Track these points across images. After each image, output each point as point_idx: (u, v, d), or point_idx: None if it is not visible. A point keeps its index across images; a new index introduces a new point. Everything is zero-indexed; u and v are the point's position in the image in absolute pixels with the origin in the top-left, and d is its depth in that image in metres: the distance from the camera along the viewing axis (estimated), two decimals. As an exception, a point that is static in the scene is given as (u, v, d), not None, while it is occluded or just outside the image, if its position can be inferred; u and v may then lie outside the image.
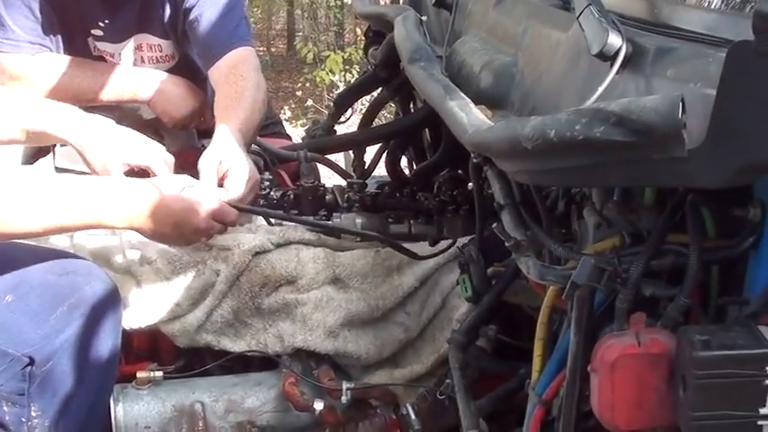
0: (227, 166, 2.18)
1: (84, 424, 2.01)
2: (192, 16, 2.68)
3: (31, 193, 1.79)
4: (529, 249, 1.51)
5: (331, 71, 9.65)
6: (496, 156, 1.39)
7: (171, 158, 2.27)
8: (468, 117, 1.49)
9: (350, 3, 11.81)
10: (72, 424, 1.98)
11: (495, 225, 1.64)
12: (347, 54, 9.91)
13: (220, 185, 2.15)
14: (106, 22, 2.73)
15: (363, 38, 3.35)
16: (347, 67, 9.61)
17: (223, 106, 2.49)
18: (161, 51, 2.85)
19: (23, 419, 1.91)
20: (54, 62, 2.66)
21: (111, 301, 2.03)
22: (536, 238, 1.51)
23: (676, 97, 0.99)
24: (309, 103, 10.22)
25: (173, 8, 2.74)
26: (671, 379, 1.18)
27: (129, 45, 2.80)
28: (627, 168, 1.12)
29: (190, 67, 2.90)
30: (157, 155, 2.23)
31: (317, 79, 9.89)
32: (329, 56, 9.85)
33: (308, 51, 10.51)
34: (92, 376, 1.97)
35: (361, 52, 9.46)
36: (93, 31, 2.75)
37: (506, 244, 1.57)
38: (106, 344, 2.01)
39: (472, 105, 1.58)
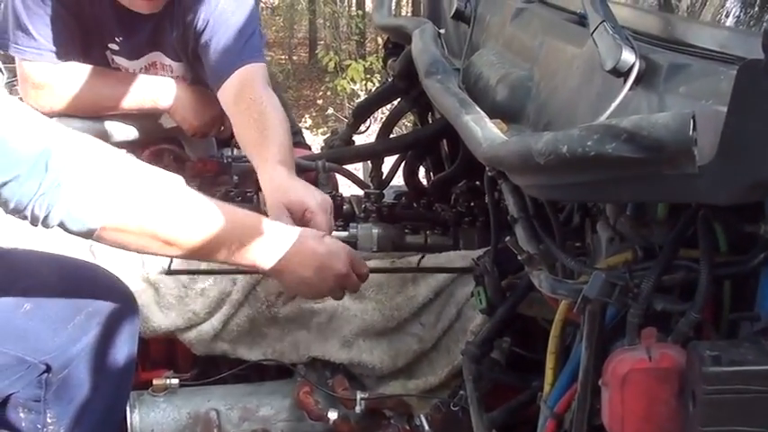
0: (302, 208, 2.19)
1: (99, 431, 2.03)
2: (202, 40, 2.68)
3: (196, 218, 1.79)
4: (541, 263, 1.51)
5: (352, 80, 9.68)
6: (509, 170, 1.40)
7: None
8: (483, 131, 1.50)
9: (371, 12, 11.86)
10: (87, 431, 1.99)
11: (508, 239, 1.65)
12: (368, 63, 9.95)
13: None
14: (121, 38, 2.76)
15: (384, 48, 3.37)
16: (368, 76, 9.64)
17: (252, 143, 2.47)
18: (172, 72, 2.86)
19: (39, 426, 1.93)
20: (76, 71, 2.69)
21: (128, 310, 2.04)
22: (549, 252, 1.52)
23: (687, 114, 1.00)
24: (330, 111, 10.26)
25: (182, 31, 2.74)
26: (681, 394, 1.18)
27: (142, 62, 2.83)
28: (638, 184, 1.13)
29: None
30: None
31: (338, 88, 9.92)
32: (350, 65, 9.88)
33: (330, 60, 10.55)
34: (108, 384, 1.99)
35: (382, 61, 9.49)
36: (110, 45, 2.77)
37: (519, 257, 1.58)
38: (122, 352, 2.02)
39: (487, 119, 1.59)
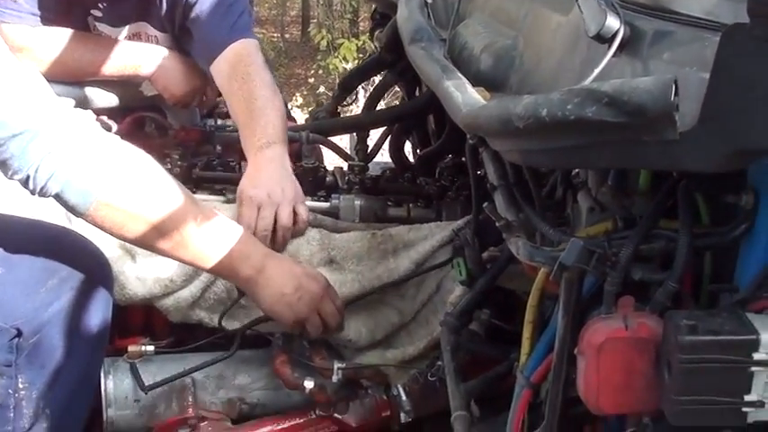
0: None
1: (72, 397, 2.01)
2: (192, 14, 2.68)
3: (187, 217, 1.86)
4: (520, 230, 1.50)
5: (344, 59, 9.66)
6: (489, 135, 1.38)
7: None
8: (464, 96, 1.49)
9: (365, -10, 11.83)
10: (60, 396, 1.97)
11: (487, 205, 1.64)
12: (361, 42, 9.91)
13: None
14: (105, 5, 2.73)
15: (371, 19, 3.35)
16: (361, 55, 9.61)
17: (242, 125, 2.51)
18: (157, 43, 2.83)
19: (10, 391, 1.90)
20: (57, 35, 2.65)
21: (102, 274, 2.03)
22: (528, 221, 1.51)
23: (669, 79, 0.99)
24: (321, 90, 10.23)
25: (170, 4, 2.73)
26: (657, 364, 1.18)
27: (125, 30, 2.80)
28: (618, 150, 1.12)
29: None
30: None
31: (330, 66, 9.91)
32: (343, 43, 9.86)
33: (322, 38, 10.52)
34: (81, 349, 1.97)
35: (369, 33, 9.46)
36: (92, 11, 2.74)
37: (497, 224, 1.56)
38: (96, 317, 2.01)
39: (468, 85, 1.57)
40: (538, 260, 1.40)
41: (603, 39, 1.29)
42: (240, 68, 2.57)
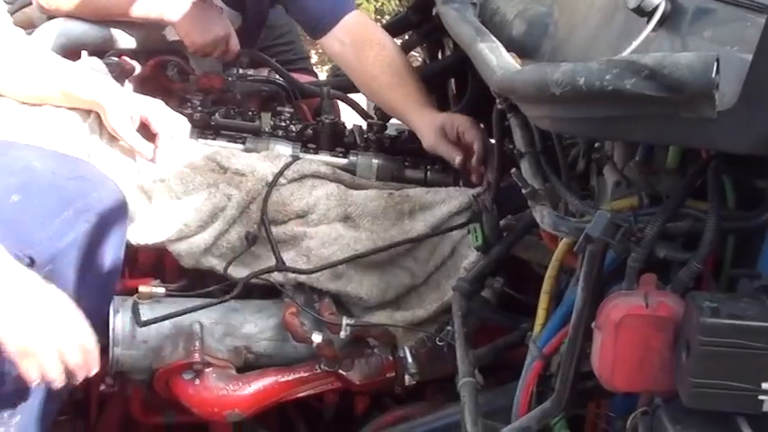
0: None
1: None
2: None
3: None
4: (545, 199, 1.49)
5: (362, 20, 9.60)
6: (522, 100, 1.37)
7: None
8: (498, 60, 1.47)
9: (387, -49, 11.74)
10: None
11: (513, 170, 1.63)
12: (380, 3, 9.86)
13: None
14: None
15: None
16: (378, 17, 9.55)
17: (391, 88, 2.57)
18: (221, 14, 2.85)
19: None
20: None
21: (118, 211, 2.02)
22: (553, 191, 1.50)
23: (711, 56, 0.97)
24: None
25: None
26: (674, 345, 1.17)
27: None
28: (654, 124, 1.10)
29: (246, 36, 2.92)
30: (159, 109, 2.28)
31: (347, 26, 9.84)
32: (361, 4, 9.79)
33: (341, -1, 10.44)
34: (92, 283, 1.96)
35: (393, 3, 9.42)
36: None
37: (523, 191, 1.55)
38: (109, 253, 2.00)
39: (503, 49, 1.56)
40: (562, 230, 1.39)
41: (643, 12, 1.27)
42: (368, 36, 2.63)
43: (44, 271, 1.84)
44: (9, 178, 1.84)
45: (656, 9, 1.26)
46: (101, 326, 2.00)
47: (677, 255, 1.24)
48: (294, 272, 2.21)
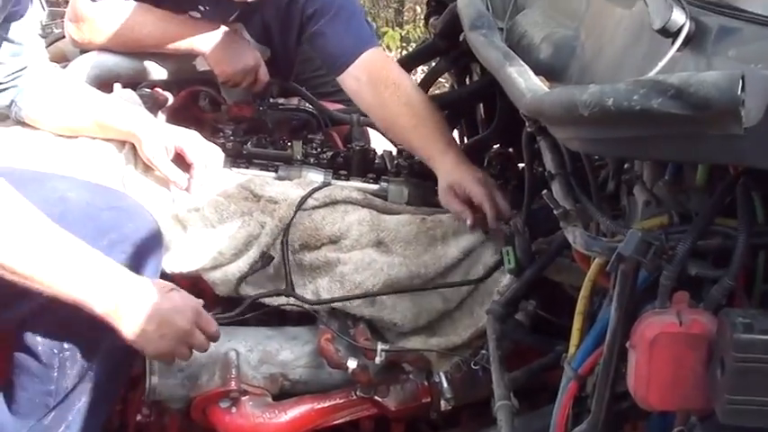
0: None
1: (116, 360, 2.01)
2: (312, 27, 2.74)
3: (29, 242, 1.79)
4: (577, 219, 1.50)
5: (387, 47, 9.63)
6: (551, 121, 1.38)
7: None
8: (527, 82, 1.48)
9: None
10: (104, 359, 1.97)
11: (545, 192, 1.64)
12: (405, 32, 9.90)
13: None
14: (207, 8, 2.79)
15: (422, 17, 3.37)
16: (404, 44, 9.58)
17: (411, 129, 2.54)
18: None
19: (55, 351, 1.91)
20: (119, 8, 2.68)
21: (153, 241, 2.02)
22: (584, 211, 1.51)
23: (737, 74, 0.98)
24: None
25: (281, 15, 2.82)
26: (708, 362, 1.17)
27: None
28: (682, 143, 1.11)
29: (274, 67, 2.94)
30: (193, 140, 2.30)
31: (374, 54, 9.88)
32: (387, 32, 9.84)
33: (367, 26, 10.49)
34: None
35: (419, 31, 9.47)
36: (191, 12, 2.80)
37: (555, 212, 1.56)
38: (148, 274, 1.99)
39: (531, 72, 1.57)
40: (594, 250, 1.40)
41: (668, 33, 1.28)
42: (384, 75, 2.61)
43: None
44: (45, 209, 1.84)
45: (680, 30, 1.27)
46: (136, 354, 2.01)
47: (709, 272, 1.25)
48: (297, 298, 2.24)
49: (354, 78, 2.62)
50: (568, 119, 1.24)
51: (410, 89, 2.59)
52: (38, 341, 1.91)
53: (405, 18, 11.57)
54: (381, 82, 2.58)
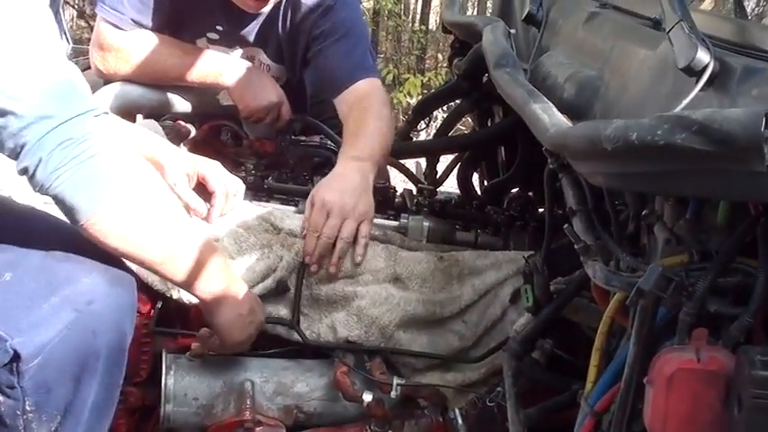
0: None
1: (86, 424, 1.87)
2: (317, 47, 2.77)
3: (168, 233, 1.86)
4: (597, 254, 1.50)
5: (409, 94, 9.70)
6: (575, 156, 1.39)
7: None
8: (551, 118, 1.50)
9: (433, 29, 11.90)
10: (72, 423, 1.84)
11: (566, 226, 1.64)
12: (426, 78, 9.96)
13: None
14: (223, 28, 2.82)
15: (444, 65, 3.39)
16: (425, 91, 9.65)
17: (345, 141, 2.59)
18: (268, 72, 2.93)
19: (18, 412, 1.77)
20: (145, 39, 2.71)
21: (114, 297, 1.84)
22: (605, 247, 1.51)
23: (761, 111, 0.99)
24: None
25: (293, 35, 2.82)
26: (726, 400, 1.17)
27: (239, 52, 2.89)
28: (704, 179, 1.12)
29: (293, 92, 2.95)
30: (216, 169, 2.30)
31: (395, 101, 9.94)
32: (408, 78, 9.90)
33: (389, 73, 10.56)
34: (90, 378, 1.82)
35: (440, 78, 9.52)
36: (208, 34, 2.84)
37: (575, 246, 1.56)
38: (107, 344, 1.83)
39: (555, 108, 1.58)
40: (614, 284, 1.41)
41: (693, 71, 1.30)
42: (363, 102, 2.64)
43: (32, 364, 1.73)
44: (8, 252, 1.81)
45: (705, 69, 1.28)
46: (109, 415, 1.94)
47: (728, 309, 1.25)
48: (297, 332, 2.26)
49: (345, 103, 2.68)
50: (592, 153, 1.25)
51: (369, 115, 2.61)
52: (0, 401, 1.77)
53: (426, 65, 11.65)
54: (354, 107, 2.64)
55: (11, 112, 1.57)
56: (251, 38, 2.86)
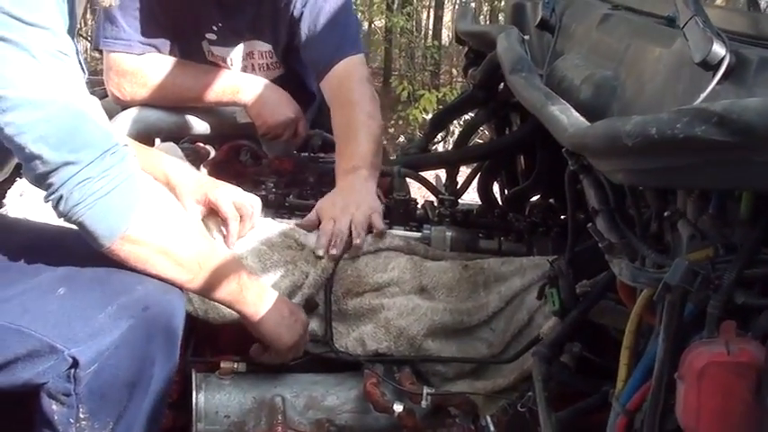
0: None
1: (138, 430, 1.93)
2: (299, 30, 2.76)
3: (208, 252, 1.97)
4: (622, 252, 1.50)
5: (424, 110, 9.72)
6: (595, 154, 1.39)
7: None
8: (569, 118, 1.50)
9: (446, 44, 11.93)
10: (124, 429, 1.90)
11: (590, 225, 1.64)
12: (441, 94, 9.98)
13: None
14: (219, 25, 2.82)
15: (459, 78, 3.40)
16: (440, 106, 9.66)
17: (337, 150, 2.63)
18: (271, 58, 2.95)
19: (71, 420, 1.83)
20: (160, 62, 2.73)
21: (165, 304, 1.91)
22: (629, 245, 1.51)
23: (780, 100, 0.99)
24: (401, 140, 10.27)
25: (278, 19, 2.82)
26: (758, 391, 1.17)
27: (240, 49, 2.89)
28: (726, 170, 1.12)
29: (295, 79, 2.96)
30: (227, 194, 2.30)
31: (410, 117, 9.97)
32: (423, 95, 9.92)
33: (404, 89, 10.59)
34: (144, 384, 1.89)
35: (455, 93, 9.53)
36: (207, 36, 2.84)
37: (600, 244, 1.56)
38: (161, 349, 1.91)
39: (572, 109, 1.58)
40: (641, 281, 1.40)
41: (709, 65, 1.30)
42: (342, 94, 2.66)
43: (88, 371, 1.82)
44: (57, 269, 1.88)
45: (721, 62, 1.29)
46: (159, 420, 2.00)
47: (756, 300, 1.25)
48: (333, 349, 2.27)
49: (327, 88, 2.72)
50: (612, 150, 1.26)
51: (351, 111, 2.64)
52: (53, 409, 1.84)
53: (441, 81, 11.68)
54: (336, 101, 2.69)
55: (38, 156, 1.69)
56: (248, 29, 2.87)
